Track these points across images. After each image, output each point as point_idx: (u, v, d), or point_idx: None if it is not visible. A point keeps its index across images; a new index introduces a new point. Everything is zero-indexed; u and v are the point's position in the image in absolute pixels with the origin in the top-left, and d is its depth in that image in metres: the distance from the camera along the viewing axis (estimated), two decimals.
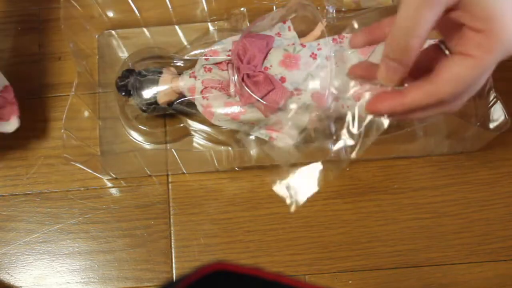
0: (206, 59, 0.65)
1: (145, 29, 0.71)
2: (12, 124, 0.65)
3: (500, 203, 0.66)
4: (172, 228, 0.66)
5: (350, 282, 0.65)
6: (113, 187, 0.68)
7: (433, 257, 0.65)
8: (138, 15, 0.71)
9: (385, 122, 0.47)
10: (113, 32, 0.71)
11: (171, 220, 0.67)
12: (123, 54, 0.71)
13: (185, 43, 0.70)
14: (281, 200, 0.66)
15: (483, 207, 0.66)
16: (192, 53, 0.67)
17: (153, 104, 0.65)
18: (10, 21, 0.73)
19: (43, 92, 0.70)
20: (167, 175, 0.68)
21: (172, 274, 0.65)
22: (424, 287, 0.64)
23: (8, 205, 0.67)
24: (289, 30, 0.65)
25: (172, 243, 0.66)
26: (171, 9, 0.70)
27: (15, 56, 0.72)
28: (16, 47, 0.72)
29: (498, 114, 0.62)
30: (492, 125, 0.63)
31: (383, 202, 0.66)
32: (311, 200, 0.66)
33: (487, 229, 0.65)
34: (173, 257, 0.66)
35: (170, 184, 0.68)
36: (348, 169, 0.67)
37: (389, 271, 0.65)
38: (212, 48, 0.65)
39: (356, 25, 0.55)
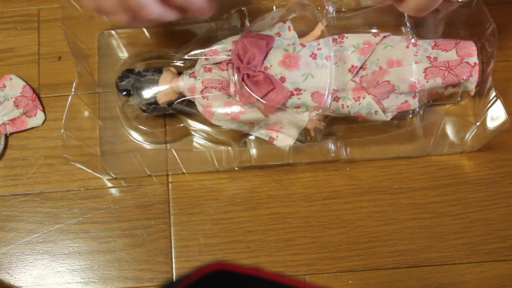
0: (206, 59, 0.64)
1: (145, 29, 0.71)
2: (39, 118, 0.70)
3: (500, 203, 0.66)
4: (172, 228, 0.66)
5: (350, 282, 0.65)
6: (113, 187, 0.68)
7: (433, 257, 0.65)
8: None
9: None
10: (113, 32, 0.71)
11: (171, 220, 0.67)
12: (123, 54, 0.71)
13: (185, 43, 0.70)
14: (281, 200, 0.67)
15: (483, 207, 0.66)
16: (192, 53, 0.67)
17: (153, 104, 0.65)
18: (10, 21, 0.73)
19: (43, 92, 0.70)
20: (167, 175, 0.68)
21: (172, 274, 0.65)
22: (424, 287, 0.64)
23: (8, 205, 0.67)
24: (289, 30, 0.65)
25: (172, 243, 0.66)
26: None
27: (15, 56, 0.72)
28: (16, 47, 0.72)
29: (498, 113, 0.62)
30: (492, 125, 0.63)
31: (383, 202, 0.66)
32: (311, 200, 0.67)
33: (487, 229, 0.65)
34: (173, 257, 0.66)
35: (170, 184, 0.68)
36: (348, 169, 0.67)
37: (389, 271, 0.65)
38: (212, 48, 0.65)
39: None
